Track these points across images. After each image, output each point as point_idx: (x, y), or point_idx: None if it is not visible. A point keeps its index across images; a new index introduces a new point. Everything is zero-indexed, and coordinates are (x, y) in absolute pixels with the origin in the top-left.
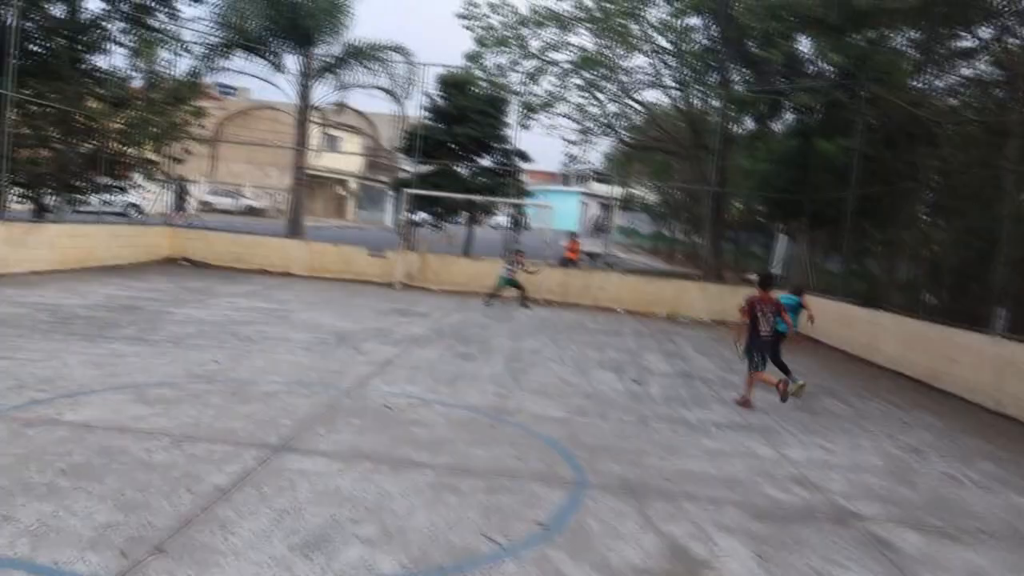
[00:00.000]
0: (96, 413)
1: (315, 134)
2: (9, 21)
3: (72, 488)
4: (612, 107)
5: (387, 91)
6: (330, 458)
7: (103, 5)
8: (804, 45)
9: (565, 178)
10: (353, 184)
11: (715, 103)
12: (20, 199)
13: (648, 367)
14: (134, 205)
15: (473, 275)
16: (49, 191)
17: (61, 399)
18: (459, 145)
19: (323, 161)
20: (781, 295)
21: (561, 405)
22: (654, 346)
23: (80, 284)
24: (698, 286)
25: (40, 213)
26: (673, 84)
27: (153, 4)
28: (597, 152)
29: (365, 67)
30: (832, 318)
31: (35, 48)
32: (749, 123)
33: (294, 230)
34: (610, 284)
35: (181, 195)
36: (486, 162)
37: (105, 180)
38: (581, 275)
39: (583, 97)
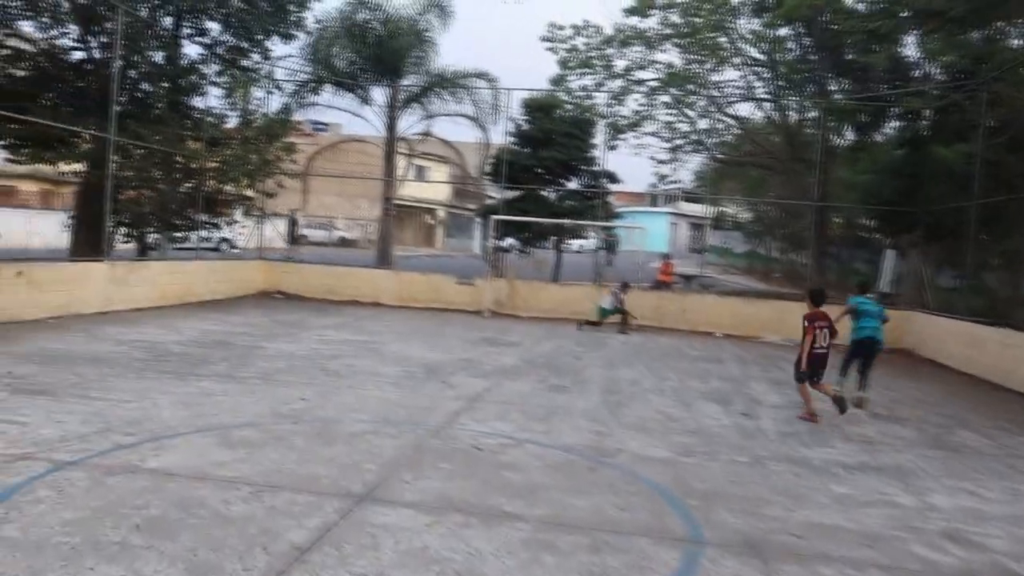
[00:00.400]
0: (179, 459)
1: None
2: (113, 69)
3: (145, 547)
4: (702, 123)
5: (472, 118)
6: (416, 509)
7: (200, 50)
8: (909, 48)
9: (653, 199)
10: (441, 213)
11: (813, 114)
12: (125, 239)
13: (756, 397)
14: (225, 240)
15: (562, 301)
16: (151, 230)
17: (146, 443)
18: (545, 169)
19: (411, 191)
20: (858, 298)
21: (665, 443)
22: (759, 373)
23: (178, 320)
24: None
25: (143, 251)
26: (767, 96)
27: (247, 46)
28: (687, 170)
29: (450, 95)
30: (954, 338)
31: (137, 94)
32: (848, 134)
33: (383, 260)
34: (707, 307)
35: (293, 229)
36: (573, 185)
37: (203, 217)
38: (676, 298)
39: (672, 114)
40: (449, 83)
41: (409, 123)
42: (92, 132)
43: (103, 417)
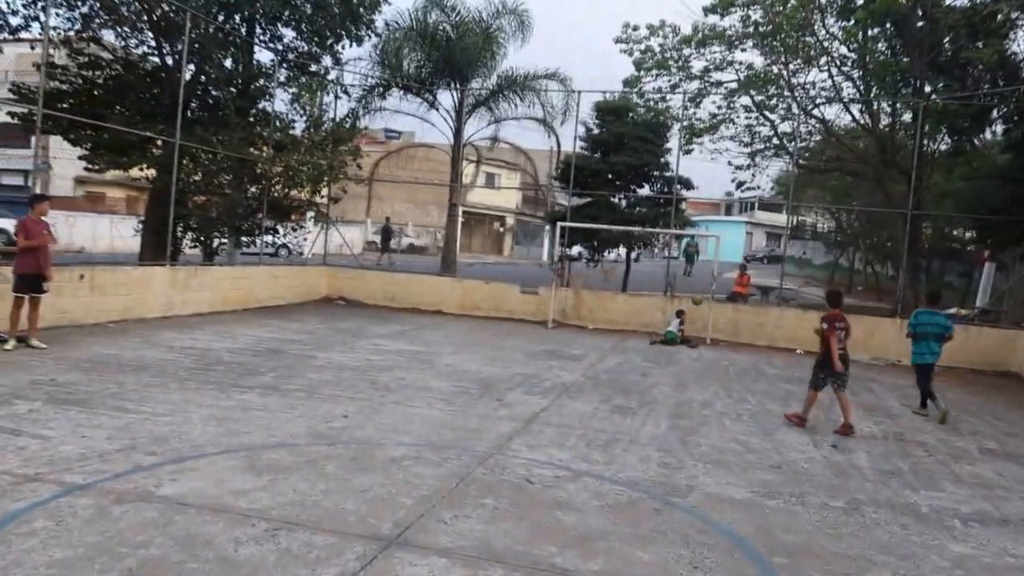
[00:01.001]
0: (197, 485)
1: (470, 171)
2: (182, 75)
3: None
4: (785, 126)
5: (541, 121)
6: (451, 558)
7: (272, 56)
8: (1018, 43)
9: (728, 208)
10: (510, 220)
11: (906, 117)
12: (193, 244)
13: None
14: (285, 246)
15: (631, 312)
16: (218, 235)
17: (167, 465)
18: (616, 174)
19: (480, 197)
20: (922, 312)
21: (743, 480)
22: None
23: (236, 326)
24: (893, 323)
25: (210, 257)
26: (855, 98)
27: (317, 51)
28: (766, 177)
29: (519, 97)
30: None
31: (208, 100)
32: (944, 139)
33: (446, 267)
34: (787, 321)
35: (387, 236)
36: (645, 191)
37: (269, 223)
38: (753, 311)
39: (751, 118)
40: (519, 85)
41: (477, 128)
42: (160, 137)
43: (130, 433)
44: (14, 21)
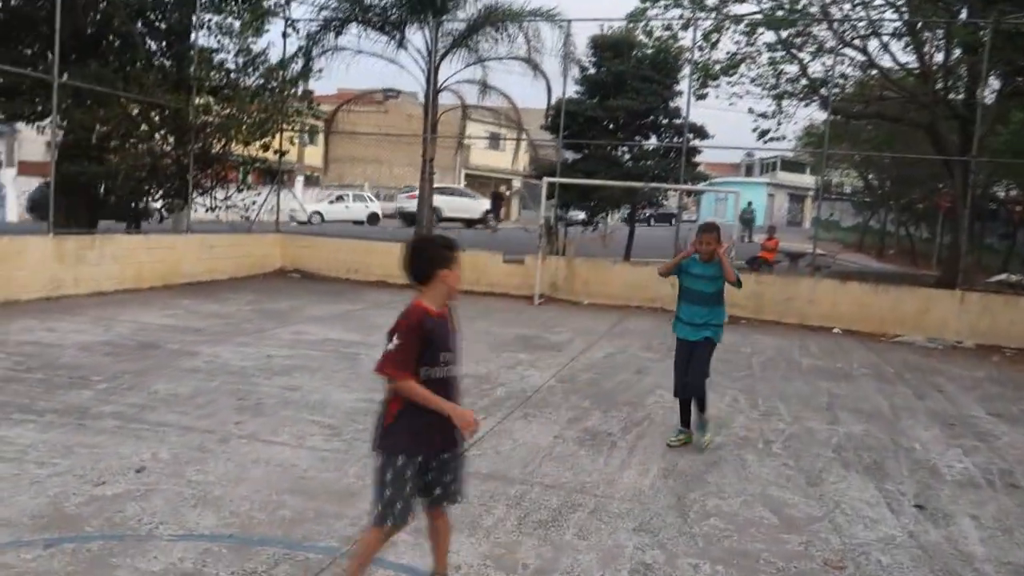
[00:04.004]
0: None
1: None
2: None
3: None
4: (816, 66)
5: (527, 61)
6: None
7: None
8: None
9: (748, 169)
10: (517, 182)
11: (960, 51)
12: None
13: (926, 458)
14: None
15: (634, 285)
16: (145, 196)
17: None
18: (616, 122)
19: (485, 159)
20: None
21: None
22: (915, 402)
23: (129, 309)
24: (952, 295)
25: (136, 223)
26: (900, 31)
27: None
28: (794, 127)
29: (502, 34)
30: None
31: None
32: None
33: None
34: (822, 294)
35: (497, 203)
36: (652, 142)
37: (208, 183)
38: (780, 282)
39: (777, 57)
40: (500, 17)
41: (454, 71)
42: (31, 74)
43: None
44: None
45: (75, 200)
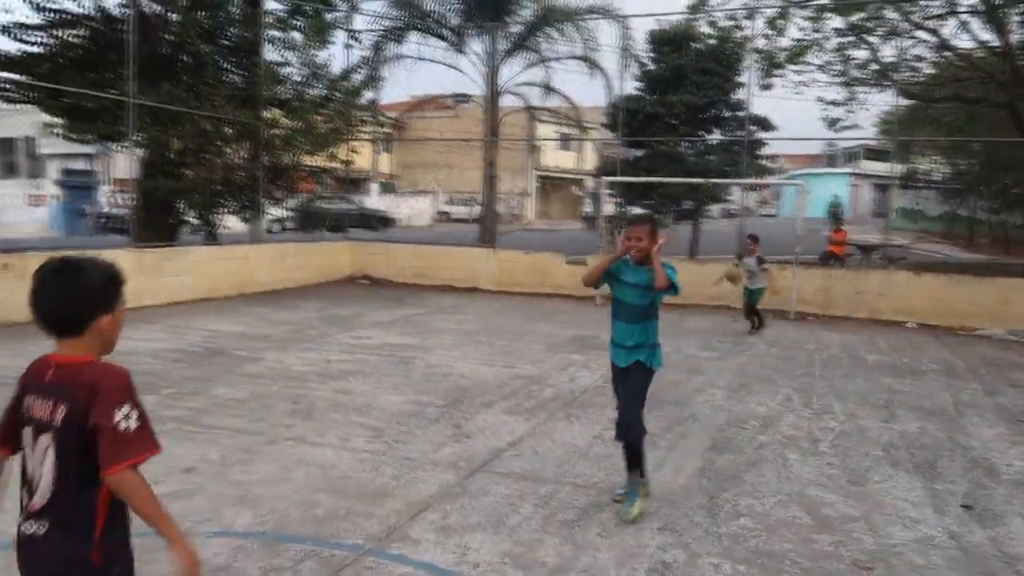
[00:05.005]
0: None
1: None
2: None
3: None
4: (888, 49)
5: (584, 59)
6: None
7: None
8: None
9: (830, 159)
10: (590, 183)
11: None
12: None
13: (984, 456)
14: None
15: (698, 283)
16: (221, 209)
17: None
18: (676, 117)
19: (557, 160)
20: None
21: None
22: (983, 399)
23: (204, 318)
24: None
25: (212, 235)
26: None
27: None
28: (867, 113)
29: (559, 34)
30: None
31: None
32: None
33: (484, 237)
34: (894, 287)
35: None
36: (715, 137)
37: (281, 193)
38: (850, 276)
39: (846, 42)
40: (559, 19)
41: (512, 73)
42: (110, 96)
43: None
44: None
45: (155, 214)
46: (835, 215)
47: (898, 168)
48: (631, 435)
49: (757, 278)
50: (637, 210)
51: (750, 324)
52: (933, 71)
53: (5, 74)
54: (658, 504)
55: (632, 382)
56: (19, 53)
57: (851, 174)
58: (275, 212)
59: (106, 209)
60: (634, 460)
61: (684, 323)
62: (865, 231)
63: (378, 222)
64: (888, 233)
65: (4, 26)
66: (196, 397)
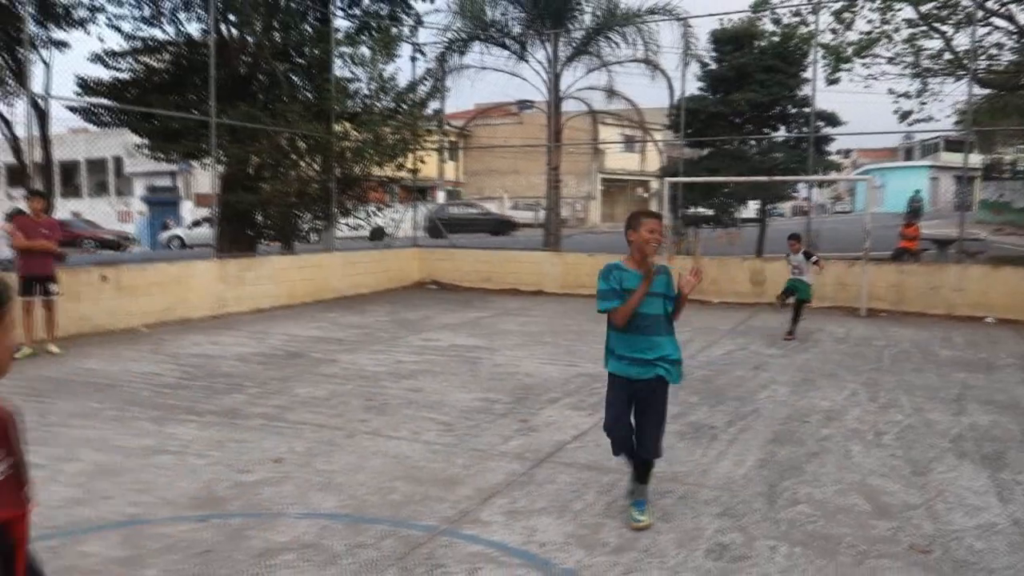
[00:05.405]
0: None
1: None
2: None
3: None
4: (962, 37)
5: (646, 62)
6: None
7: (347, 24)
8: None
9: (908, 152)
10: (655, 184)
11: None
12: (270, 233)
13: None
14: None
15: (764, 282)
16: (295, 220)
17: None
18: (740, 116)
19: (621, 163)
20: None
21: None
22: None
23: (283, 323)
24: None
25: (289, 245)
26: None
27: (395, 10)
28: (943, 105)
29: (621, 38)
30: None
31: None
32: None
33: (549, 241)
34: (971, 281)
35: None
36: (781, 134)
37: (351, 204)
38: (924, 271)
39: (916, 32)
40: (620, 22)
41: (574, 79)
42: (191, 116)
43: None
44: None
45: (236, 226)
46: (916, 210)
47: (979, 159)
48: (655, 456)
49: (804, 272)
50: (700, 209)
51: (791, 324)
52: (1014, 58)
53: (99, 100)
54: (717, 492)
55: (659, 400)
56: (111, 80)
57: (930, 167)
58: (378, 220)
59: (177, 232)
60: (647, 475)
61: (752, 322)
62: (947, 225)
63: (504, 226)
64: (969, 226)
65: (98, 55)
66: (279, 396)
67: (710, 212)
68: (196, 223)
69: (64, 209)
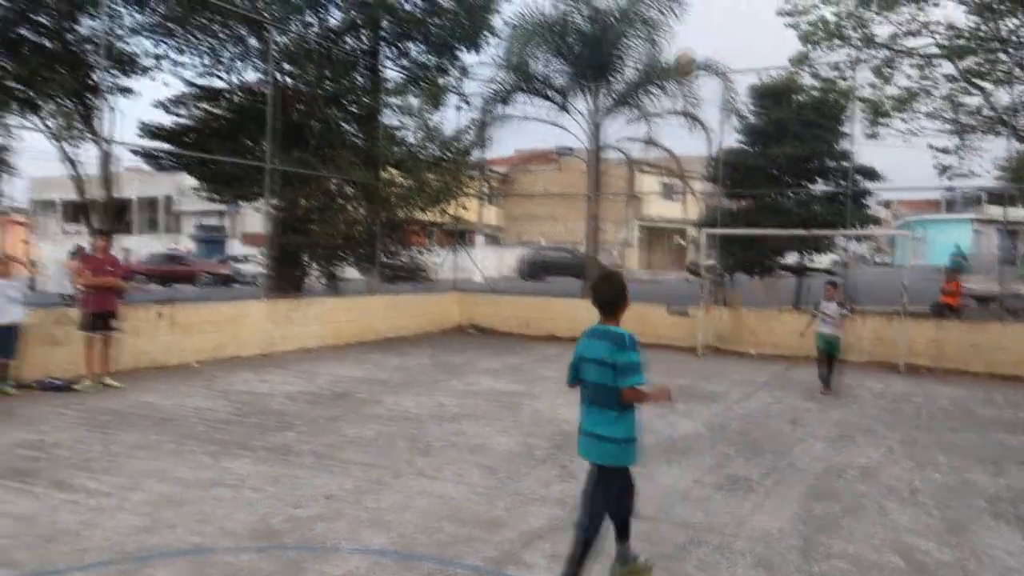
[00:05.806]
0: None
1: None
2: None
3: None
4: (1002, 94)
5: (686, 115)
6: None
7: (399, 73)
8: None
9: (950, 204)
10: (692, 232)
11: None
12: (320, 275)
13: None
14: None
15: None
16: (340, 262)
17: None
18: (779, 169)
19: (660, 210)
20: None
21: None
22: None
23: (328, 364)
24: None
25: (333, 286)
26: None
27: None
28: (983, 159)
29: (662, 91)
30: None
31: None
32: None
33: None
34: (1013, 340)
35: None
36: (819, 187)
37: (396, 248)
38: (964, 328)
39: (957, 88)
40: (662, 76)
41: (615, 129)
42: (249, 162)
43: (28, 525)
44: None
45: (285, 267)
46: (957, 266)
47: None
48: (577, 530)
49: (834, 325)
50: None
51: (825, 380)
52: None
53: (164, 145)
54: (753, 544)
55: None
56: (172, 124)
57: (972, 219)
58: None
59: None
60: (626, 533)
61: (790, 374)
62: (988, 280)
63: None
64: (1012, 282)
65: (161, 102)
66: (328, 434)
67: (747, 262)
68: (243, 259)
69: (117, 247)
